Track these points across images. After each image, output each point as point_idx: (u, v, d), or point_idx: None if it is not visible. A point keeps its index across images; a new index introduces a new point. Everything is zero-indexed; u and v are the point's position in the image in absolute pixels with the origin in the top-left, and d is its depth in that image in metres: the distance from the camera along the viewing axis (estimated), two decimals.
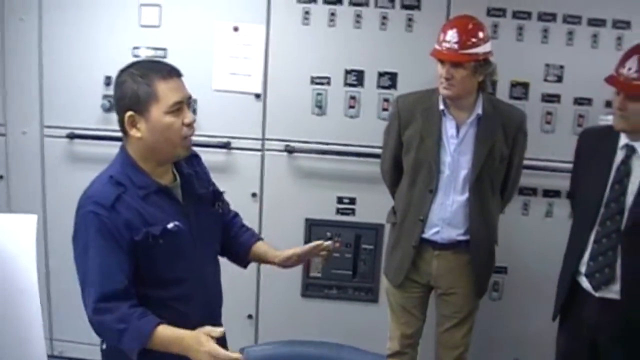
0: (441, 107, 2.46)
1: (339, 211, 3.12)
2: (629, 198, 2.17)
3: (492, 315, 3.01)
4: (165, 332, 1.61)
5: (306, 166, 3.10)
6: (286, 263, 2.02)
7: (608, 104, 2.88)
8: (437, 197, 2.48)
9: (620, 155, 2.22)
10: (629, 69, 2.12)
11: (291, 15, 3.01)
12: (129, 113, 1.67)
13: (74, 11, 3.05)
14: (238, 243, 2.02)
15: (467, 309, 2.62)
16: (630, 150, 2.19)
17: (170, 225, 1.70)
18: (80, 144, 3.14)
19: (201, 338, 1.58)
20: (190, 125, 1.71)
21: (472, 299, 2.63)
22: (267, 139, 3.08)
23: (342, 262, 3.12)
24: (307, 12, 3.01)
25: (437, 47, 2.41)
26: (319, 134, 3.08)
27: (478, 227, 2.50)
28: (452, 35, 2.36)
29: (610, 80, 2.19)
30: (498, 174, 2.56)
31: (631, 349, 2.21)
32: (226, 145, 3.08)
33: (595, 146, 2.34)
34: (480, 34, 2.39)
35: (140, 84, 1.66)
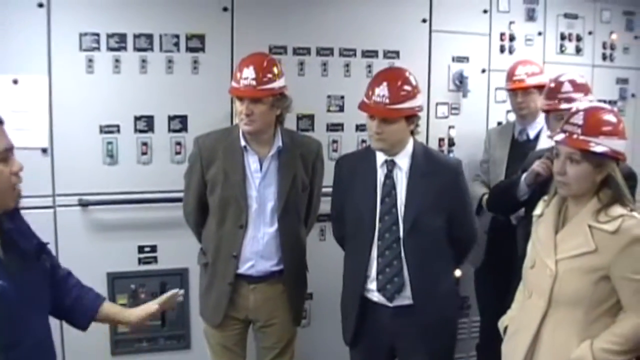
0: (242, 143, 2.77)
1: (141, 261, 3.38)
2: (400, 208, 2.59)
3: (304, 342, 3.38)
4: None
5: (103, 218, 3.31)
6: (146, 321, 2.22)
7: None
8: (248, 232, 2.77)
9: (382, 172, 2.65)
10: (379, 95, 2.54)
11: (74, 63, 3.23)
12: None
13: None
14: (83, 305, 2.12)
15: (287, 338, 2.97)
16: (391, 165, 2.63)
17: None
18: None
19: None
20: (18, 174, 1.83)
21: (291, 327, 2.98)
22: (58, 195, 3.24)
23: None
24: (90, 60, 3.26)
25: (235, 85, 2.72)
26: (113, 183, 3.33)
27: (290, 256, 2.84)
28: (249, 72, 2.67)
29: (363, 107, 2.61)
30: (302, 203, 2.95)
31: (428, 346, 2.63)
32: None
33: (353, 169, 2.74)
34: (275, 70, 2.74)
35: None
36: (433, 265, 2.63)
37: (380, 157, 2.66)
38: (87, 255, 3.25)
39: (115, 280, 3.33)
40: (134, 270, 3.37)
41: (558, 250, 2.15)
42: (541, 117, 3.37)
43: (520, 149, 3.42)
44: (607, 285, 2.07)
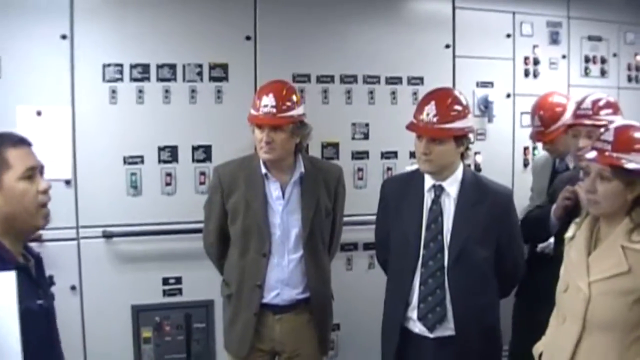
0: (263, 171, 2.82)
1: (165, 293, 3.47)
2: (447, 235, 2.58)
3: None
4: None
5: (126, 250, 3.40)
6: None
7: (412, 154, 3.60)
8: (272, 260, 2.81)
9: (429, 197, 2.65)
10: (428, 114, 2.56)
11: (97, 94, 3.35)
12: None
13: None
14: None
15: None
16: (439, 190, 2.63)
17: (33, 305, 1.83)
18: None
19: None
20: (46, 192, 1.91)
21: (318, 357, 3.01)
22: (82, 227, 3.33)
23: (175, 346, 3.43)
24: (113, 91, 3.39)
25: (254, 112, 2.78)
26: (137, 215, 3.43)
27: (315, 283, 2.87)
28: (268, 100, 2.74)
29: (411, 127, 2.62)
30: (326, 229, 2.97)
31: None
32: (38, 238, 3.26)
33: (400, 193, 2.74)
34: (294, 97, 2.81)
35: None
36: (477, 297, 2.62)
37: (429, 182, 2.66)
38: (111, 288, 3.36)
39: (140, 312, 3.40)
40: (159, 302, 3.44)
41: (591, 272, 2.14)
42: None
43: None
44: None
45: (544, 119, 3.47)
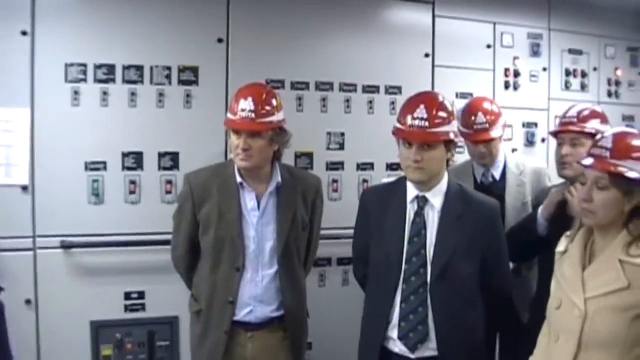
0: (239, 179, 2.73)
1: (127, 308, 3.35)
2: (430, 250, 2.50)
3: None
4: None
5: (87, 262, 3.28)
6: None
7: (389, 166, 3.56)
8: (245, 275, 2.71)
9: (412, 208, 2.56)
10: (418, 118, 2.46)
11: (59, 95, 3.25)
12: None
13: None
14: None
15: None
16: (422, 201, 2.55)
17: None
18: None
19: None
20: None
21: None
22: (39, 236, 3.22)
23: None
24: (76, 92, 3.28)
25: (231, 116, 2.68)
26: (98, 225, 3.31)
27: (291, 300, 2.78)
28: (247, 104, 2.64)
29: (401, 133, 2.51)
30: (303, 243, 2.91)
31: None
32: None
33: (381, 204, 2.64)
34: (275, 102, 2.71)
35: None
36: (462, 315, 2.54)
37: (411, 192, 2.59)
38: (70, 303, 3.24)
39: (100, 329, 3.29)
40: (120, 318, 3.33)
41: (587, 288, 2.08)
42: (502, 154, 3.39)
43: (488, 193, 3.11)
44: None
45: (490, 116, 3.34)
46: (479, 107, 3.37)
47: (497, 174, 3.41)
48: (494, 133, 3.31)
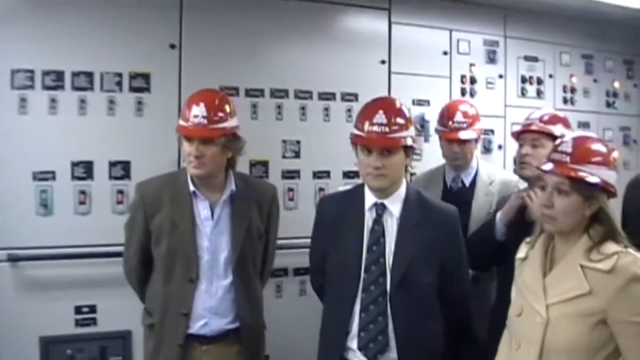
0: (191, 188, 2.69)
1: (78, 323, 3.28)
2: (389, 258, 2.47)
3: None
4: None
5: (35, 275, 3.21)
6: None
7: (345, 174, 3.55)
8: (199, 286, 2.67)
9: (370, 216, 2.52)
10: (377, 124, 2.43)
11: (5, 102, 3.18)
12: None
13: None
14: None
15: None
16: (381, 209, 2.51)
17: None
18: None
19: None
20: None
21: None
22: None
23: None
24: (23, 99, 3.22)
25: (182, 123, 2.64)
26: (47, 236, 3.23)
27: (246, 312, 2.75)
28: (199, 110, 2.60)
29: (360, 139, 2.46)
30: (258, 253, 2.88)
31: None
32: None
33: (338, 212, 2.61)
34: (227, 108, 2.68)
35: None
36: (422, 324, 2.51)
37: (369, 199, 2.56)
38: (17, 317, 3.18)
39: (49, 345, 3.22)
40: (71, 333, 3.26)
41: (548, 294, 2.08)
42: (474, 161, 3.42)
43: (456, 197, 3.26)
44: (605, 330, 2.00)
45: (468, 118, 3.39)
46: (459, 107, 3.43)
47: (467, 180, 3.43)
48: (470, 134, 3.35)
